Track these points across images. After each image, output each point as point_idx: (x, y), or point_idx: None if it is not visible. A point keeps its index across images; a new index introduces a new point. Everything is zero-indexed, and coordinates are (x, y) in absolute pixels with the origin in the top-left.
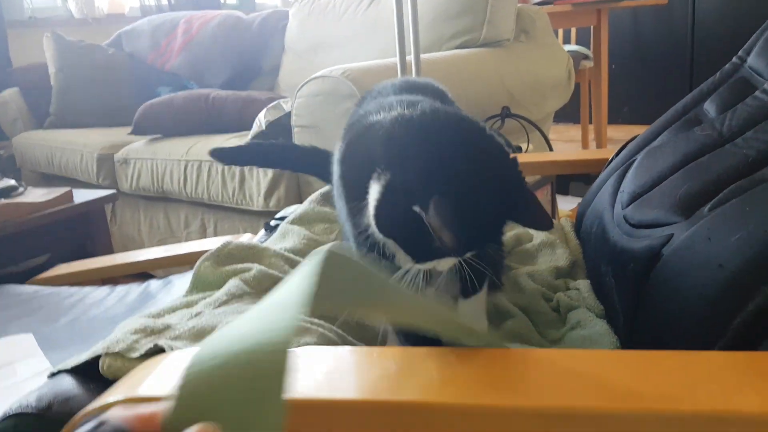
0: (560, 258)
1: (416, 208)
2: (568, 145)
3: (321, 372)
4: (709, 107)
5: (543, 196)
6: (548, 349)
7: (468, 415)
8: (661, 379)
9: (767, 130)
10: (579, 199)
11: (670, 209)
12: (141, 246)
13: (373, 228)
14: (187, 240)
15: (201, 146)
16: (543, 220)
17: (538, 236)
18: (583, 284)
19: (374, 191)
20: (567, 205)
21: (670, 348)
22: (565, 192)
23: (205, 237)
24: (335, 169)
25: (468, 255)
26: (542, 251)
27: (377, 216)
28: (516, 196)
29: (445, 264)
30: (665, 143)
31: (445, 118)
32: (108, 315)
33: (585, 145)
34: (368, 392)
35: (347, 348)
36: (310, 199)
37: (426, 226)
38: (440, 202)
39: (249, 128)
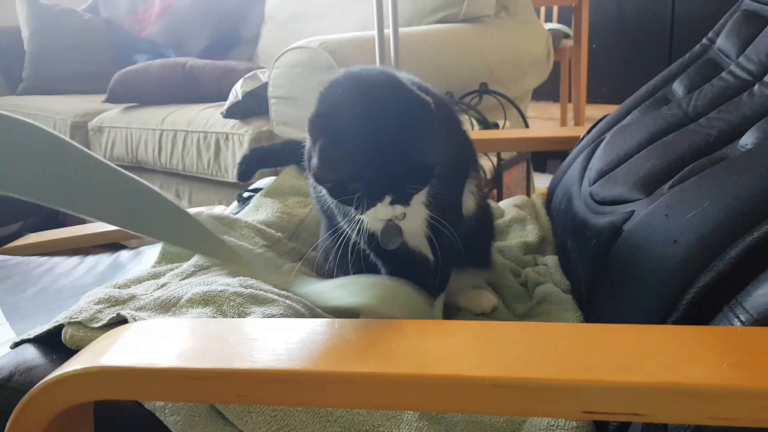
0: (530, 234)
1: (313, 150)
2: (547, 123)
3: (283, 343)
4: (678, 87)
5: (518, 172)
6: (505, 322)
7: (424, 386)
8: (611, 351)
9: (730, 110)
10: None
11: (633, 187)
12: None
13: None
14: None
15: (176, 115)
16: (465, 161)
17: (509, 212)
18: (551, 260)
19: (308, 142)
20: (544, 182)
21: (628, 322)
22: (542, 169)
23: None
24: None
25: (389, 200)
26: (513, 227)
27: (307, 163)
28: (428, 134)
29: (382, 212)
30: (634, 122)
31: (359, 73)
32: (77, 285)
33: (564, 123)
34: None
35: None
36: (284, 172)
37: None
38: (326, 142)
39: (226, 98)
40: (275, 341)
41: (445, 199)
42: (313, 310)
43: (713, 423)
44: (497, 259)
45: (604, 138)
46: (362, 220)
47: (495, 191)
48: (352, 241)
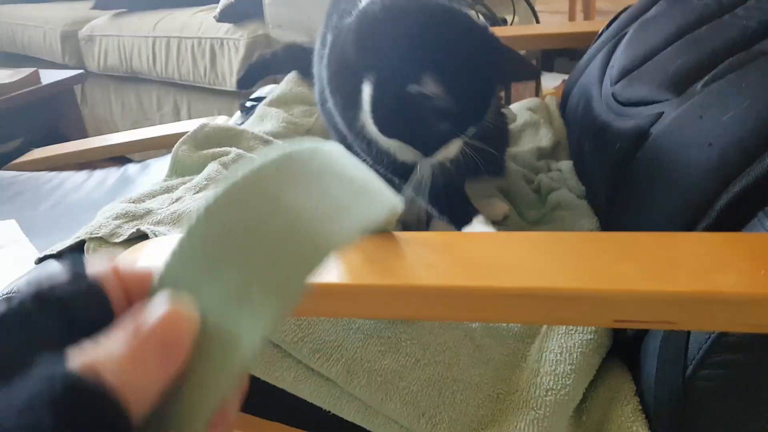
0: (543, 138)
1: (412, 88)
2: (554, 17)
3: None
4: None
5: None
6: (528, 232)
7: (454, 297)
8: (643, 259)
9: None
10: (564, 76)
11: (661, 86)
12: (114, 128)
13: (375, 134)
14: (161, 122)
15: (168, 21)
16: (530, 71)
17: (522, 116)
18: (566, 165)
19: (366, 95)
20: (551, 81)
21: (651, 229)
22: (549, 68)
23: (179, 118)
24: (320, 72)
25: (470, 133)
26: (525, 131)
27: (376, 117)
28: (499, 58)
29: (452, 149)
30: (660, 14)
31: (409, 3)
32: (88, 199)
33: (572, 17)
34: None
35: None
36: (286, 79)
37: (425, 112)
38: (433, 75)
39: (217, 1)
40: None
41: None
42: None
43: (745, 330)
44: (509, 165)
45: (627, 33)
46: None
47: (503, 92)
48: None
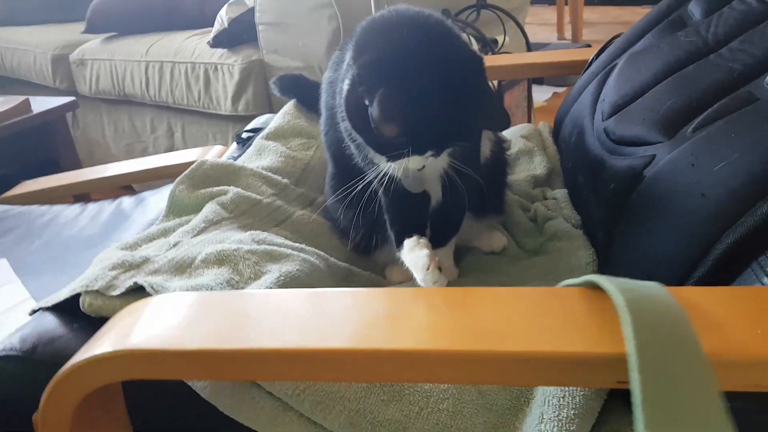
0: (538, 166)
1: (366, 103)
2: (542, 28)
3: (314, 317)
4: (694, 8)
5: (519, 92)
6: (530, 288)
7: (454, 361)
8: None
9: (754, 40)
10: (554, 89)
11: (652, 126)
12: (107, 150)
13: (347, 125)
14: (154, 144)
15: (161, 45)
16: (500, 121)
17: (516, 143)
18: (561, 194)
19: (345, 86)
20: (542, 95)
21: (650, 274)
22: (540, 82)
23: (173, 141)
24: (327, 100)
25: (429, 154)
26: (520, 159)
27: (347, 110)
28: (476, 93)
29: (414, 162)
30: (648, 48)
31: (409, 17)
32: (82, 236)
33: (560, 28)
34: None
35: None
36: (283, 111)
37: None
38: (384, 95)
39: (210, 25)
40: (305, 316)
41: (462, 149)
42: (327, 260)
43: (746, 390)
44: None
45: (616, 64)
46: (388, 167)
47: None
48: (365, 187)
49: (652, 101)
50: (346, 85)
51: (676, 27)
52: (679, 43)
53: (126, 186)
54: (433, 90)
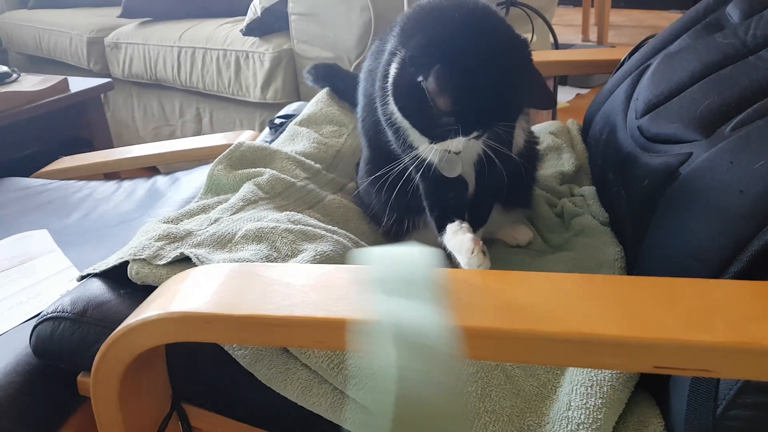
0: (566, 163)
1: (420, 79)
2: (567, 29)
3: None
4: (732, 11)
5: None
6: (571, 274)
7: (496, 338)
8: (681, 307)
9: None
10: (578, 90)
11: (689, 125)
12: (135, 133)
13: (393, 107)
14: (182, 129)
15: (193, 32)
16: (546, 100)
17: (545, 140)
18: (588, 191)
19: (393, 69)
20: (565, 96)
21: (681, 269)
22: (563, 82)
23: (201, 126)
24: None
25: (474, 135)
26: (548, 155)
27: (395, 92)
28: (523, 74)
29: (456, 144)
30: (684, 49)
31: (455, 3)
32: (118, 211)
33: (585, 29)
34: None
35: None
36: (316, 98)
37: (427, 104)
38: (441, 70)
39: (243, 13)
40: (349, 289)
41: (500, 133)
42: (357, 243)
43: None
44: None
45: (650, 64)
46: (427, 150)
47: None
48: (401, 172)
49: (689, 100)
50: (393, 69)
51: (713, 29)
52: (716, 44)
53: (151, 167)
54: (484, 69)
